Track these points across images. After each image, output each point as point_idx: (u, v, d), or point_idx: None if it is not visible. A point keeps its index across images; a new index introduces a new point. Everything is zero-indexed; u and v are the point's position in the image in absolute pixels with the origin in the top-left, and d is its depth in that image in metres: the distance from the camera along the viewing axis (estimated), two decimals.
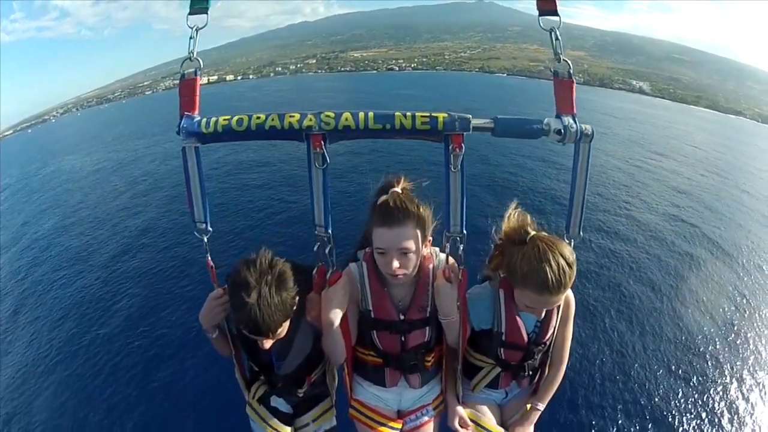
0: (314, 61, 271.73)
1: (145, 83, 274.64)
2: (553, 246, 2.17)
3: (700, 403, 10.52)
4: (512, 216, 2.40)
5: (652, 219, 20.87)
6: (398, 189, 2.32)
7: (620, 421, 9.86)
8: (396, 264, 2.18)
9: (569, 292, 2.43)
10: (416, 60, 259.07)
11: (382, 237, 2.18)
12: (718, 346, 12.33)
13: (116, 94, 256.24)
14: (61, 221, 23.75)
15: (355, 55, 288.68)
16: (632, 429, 9.73)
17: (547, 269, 2.10)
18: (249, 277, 2.06)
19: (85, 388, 11.10)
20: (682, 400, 10.51)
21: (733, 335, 12.87)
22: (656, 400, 10.49)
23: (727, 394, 10.78)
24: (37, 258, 19.38)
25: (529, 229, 2.29)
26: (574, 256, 2.18)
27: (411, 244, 2.16)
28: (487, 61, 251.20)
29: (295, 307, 2.23)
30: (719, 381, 11.14)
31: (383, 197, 2.27)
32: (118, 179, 30.00)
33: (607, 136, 40.95)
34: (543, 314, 2.45)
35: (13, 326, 14.26)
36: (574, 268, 2.16)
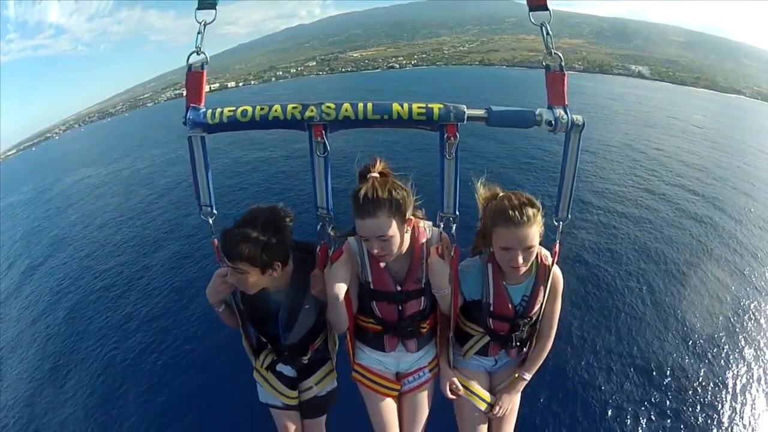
0: (314, 63, 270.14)
1: (146, 95, 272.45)
2: (517, 192, 2.49)
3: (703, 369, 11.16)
4: (481, 188, 2.62)
5: (663, 189, 22.84)
6: (375, 174, 2.41)
7: (609, 391, 10.44)
8: (376, 249, 2.35)
9: (557, 271, 2.66)
10: (416, 57, 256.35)
11: (360, 227, 2.32)
12: (718, 301, 13.67)
13: (117, 108, 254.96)
14: (102, 225, 24.82)
15: (355, 55, 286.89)
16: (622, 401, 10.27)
17: (507, 202, 2.37)
18: (254, 210, 2.45)
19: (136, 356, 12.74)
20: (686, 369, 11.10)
21: (734, 290, 14.29)
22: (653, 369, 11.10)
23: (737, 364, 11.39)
24: (88, 260, 20.47)
25: (498, 191, 2.57)
26: (541, 208, 2.41)
27: (387, 231, 2.30)
28: (486, 54, 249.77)
29: (266, 257, 2.39)
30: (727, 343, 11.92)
31: (358, 187, 2.36)
32: (145, 189, 30.45)
33: (611, 121, 41.87)
34: (530, 287, 2.67)
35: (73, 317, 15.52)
36: (539, 208, 2.39)
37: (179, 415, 10.73)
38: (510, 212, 2.32)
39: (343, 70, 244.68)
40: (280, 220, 2.46)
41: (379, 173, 2.43)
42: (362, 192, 2.28)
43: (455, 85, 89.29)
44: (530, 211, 2.33)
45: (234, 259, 2.33)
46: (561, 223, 2.49)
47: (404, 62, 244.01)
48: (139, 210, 25.87)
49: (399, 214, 2.32)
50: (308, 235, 2.73)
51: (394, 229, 2.32)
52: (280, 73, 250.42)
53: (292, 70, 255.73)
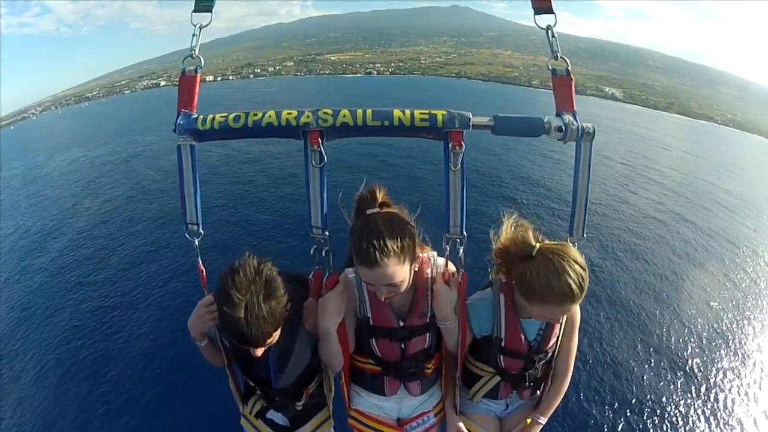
0: (292, 63, 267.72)
1: (123, 83, 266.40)
2: (565, 255, 2.07)
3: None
4: (509, 227, 2.30)
5: (643, 198, 25.97)
6: (376, 208, 2.16)
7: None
8: (384, 296, 2.15)
9: None
10: (393, 64, 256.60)
11: (366, 275, 2.08)
12: (685, 294, 15.45)
13: (94, 93, 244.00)
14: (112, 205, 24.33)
15: (332, 58, 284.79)
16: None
17: (569, 281, 2.01)
18: (234, 290, 1.93)
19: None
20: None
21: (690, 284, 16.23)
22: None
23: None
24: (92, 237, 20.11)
25: (532, 242, 2.17)
26: (583, 257, 2.11)
27: (396, 278, 2.04)
28: (463, 67, 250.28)
29: (285, 314, 2.09)
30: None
31: (359, 226, 2.09)
32: (153, 172, 29.96)
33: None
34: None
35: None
36: (587, 269, 2.09)
37: None
38: (573, 293, 2.03)
39: (321, 72, 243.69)
40: (260, 267, 2.05)
41: (380, 205, 2.19)
42: (365, 237, 2.00)
43: (434, 96, 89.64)
44: (586, 280, 2.07)
45: (263, 342, 2.04)
46: (576, 243, 2.26)
47: (381, 69, 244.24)
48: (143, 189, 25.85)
49: (408, 258, 2.09)
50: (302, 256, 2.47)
51: (403, 275, 2.08)
52: (258, 70, 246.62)
53: (270, 69, 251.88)
